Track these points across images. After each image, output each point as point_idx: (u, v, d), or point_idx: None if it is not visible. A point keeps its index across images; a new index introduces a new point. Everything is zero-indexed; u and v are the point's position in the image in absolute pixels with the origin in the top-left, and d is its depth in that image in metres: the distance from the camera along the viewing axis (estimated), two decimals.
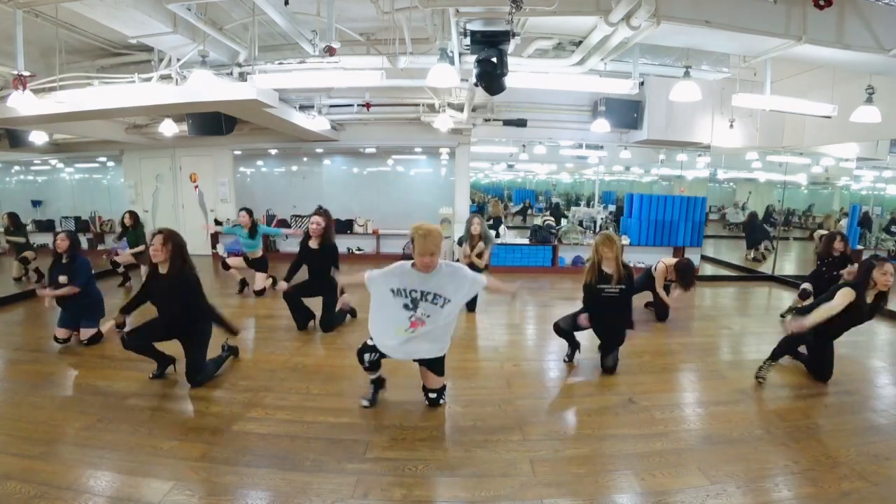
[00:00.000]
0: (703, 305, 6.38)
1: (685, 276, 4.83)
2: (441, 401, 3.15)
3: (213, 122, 7.11)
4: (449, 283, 2.79)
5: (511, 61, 3.90)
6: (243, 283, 6.34)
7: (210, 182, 9.34)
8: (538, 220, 8.98)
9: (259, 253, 6.25)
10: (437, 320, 2.81)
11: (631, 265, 3.75)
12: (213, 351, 3.67)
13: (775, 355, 3.59)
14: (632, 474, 2.49)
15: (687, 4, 3.57)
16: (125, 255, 6.63)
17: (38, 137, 7.67)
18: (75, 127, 7.21)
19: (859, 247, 7.83)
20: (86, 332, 4.25)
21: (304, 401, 3.25)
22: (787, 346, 3.60)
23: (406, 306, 2.80)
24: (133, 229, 6.70)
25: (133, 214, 6.77)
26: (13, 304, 5.82)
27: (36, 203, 10.24)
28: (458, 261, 5.13)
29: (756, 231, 8.90)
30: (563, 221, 8.87)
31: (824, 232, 8.24)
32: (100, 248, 9.68)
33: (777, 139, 7.76)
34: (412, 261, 2.77)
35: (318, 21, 4.19)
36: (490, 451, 2.67)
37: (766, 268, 8.06)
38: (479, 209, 9.78)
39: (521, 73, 4.60)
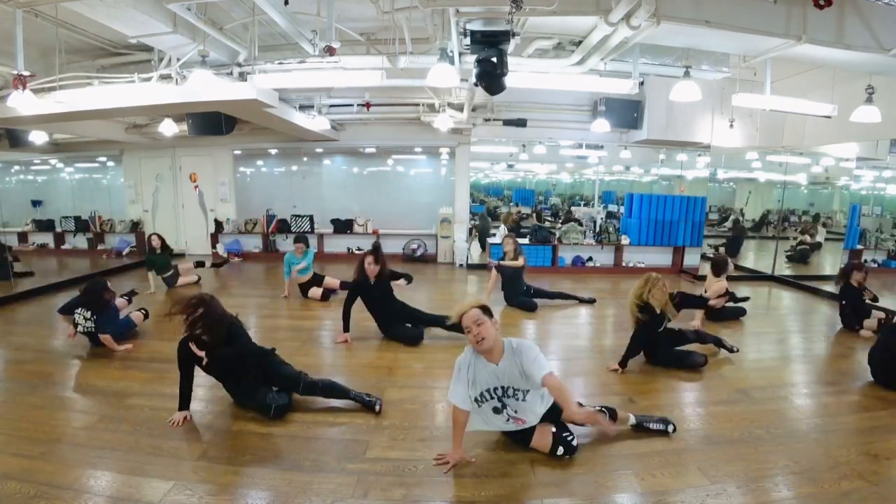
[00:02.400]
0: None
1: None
2: (560, 451, 2.60)
3: (213, 122, 7.11)
4: (516, 369, 2.47)
5: (511, 61, 3.90)
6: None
7: (210, 182, 9.34)
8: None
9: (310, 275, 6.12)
10: (528, 409, 2.58)
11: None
12: None
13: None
14: (632, 474, 2.48)
15: (687, 4, 3.56)
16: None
17: (38, 137, 7.69)
18: (75, 127, 7.22)
19: (859, 246, 7.83)
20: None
21: (304, 401, 3.25)
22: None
23: (496, 409, 2.57)
24: (161, 253, 6.51)
25: (161, 238, 6.55)
26: (13, 304, 5.82)
27: (36, 203, 10.24)
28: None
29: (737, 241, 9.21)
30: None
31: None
32: (100, 247, 9.69)
33: (777, 139, 7.76)
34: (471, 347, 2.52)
35: (318, 21, 4.19)
36: (490, 451, 2.67)
37: (765, 267, 8.06)
38: (486, 211, 9.84)
39: (521, 73, 4.60)
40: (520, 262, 5.62)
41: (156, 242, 6.43)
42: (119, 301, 4.63)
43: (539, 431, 2.62)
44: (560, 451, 2.57)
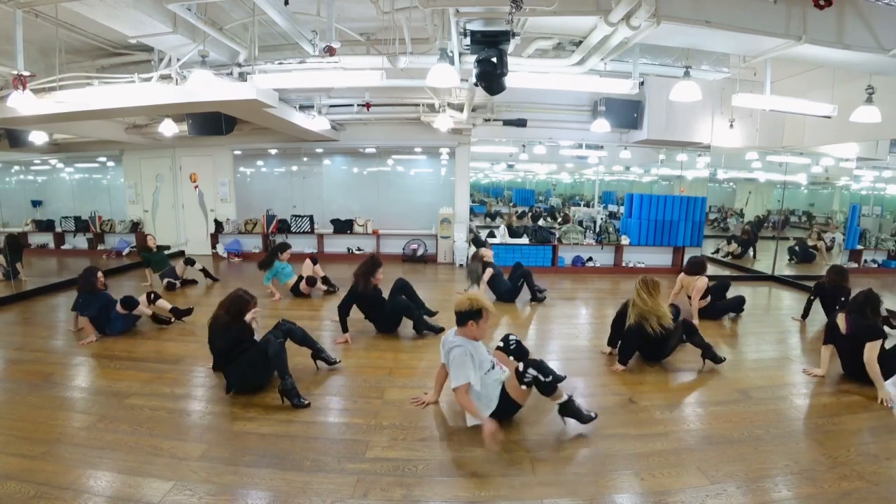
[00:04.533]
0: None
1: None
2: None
3: (213, 122, 7.11)
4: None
5: (511, 61, 3.90)
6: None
7: (210, 182, 9.34)
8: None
9: (293, 280, 6.25)
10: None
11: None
12: None
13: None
14: (632, 474, 2.49)
15: (687, 4, 3.56)
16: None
17: (38, 137, 7.69)
18: (75, 127, 7.21)
19: (859, 246, 7.83)
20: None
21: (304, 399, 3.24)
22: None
23: (493, 367, 2.95)
24: (157, 251, 6.79)
25: (153, 238, 6.90)
26: (13, 304, 5.82)
27: (36, 203, 10.25)
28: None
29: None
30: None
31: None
32: (100, 248, 9.69)
33: (777, 139, 7.77)
34: (468, 333, 2.89)
35: (318, 21, 4.19)
36: (490, 451, 2.67)
37: (765, 267, 8.06)
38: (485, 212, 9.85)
39: (521, 73, 4.60)
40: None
41: (151, 242, 6.78)
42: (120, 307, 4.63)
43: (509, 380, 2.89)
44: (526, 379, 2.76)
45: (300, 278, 6.20)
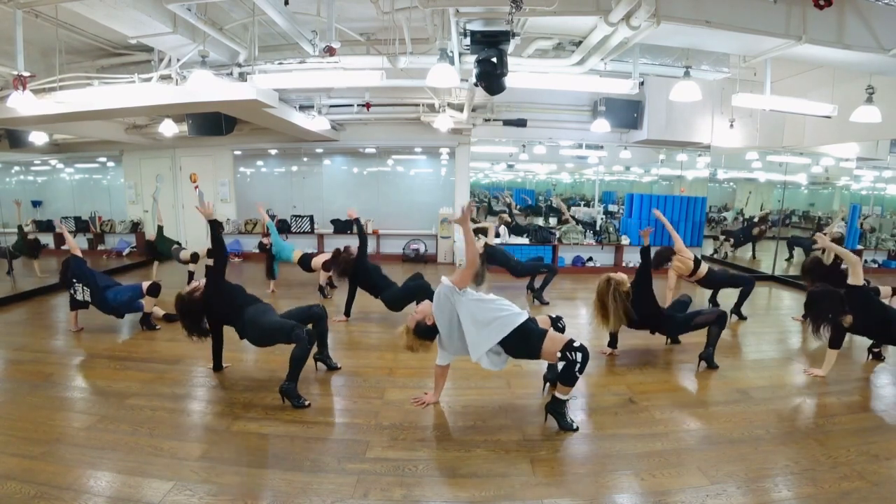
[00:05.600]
0: (703, 305, 6.36)
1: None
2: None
3: (213, 122, 7.11)
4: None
5: (511, 61, 3.90)
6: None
7: (210, 182, 9.34)
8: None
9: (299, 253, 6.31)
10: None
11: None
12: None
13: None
14: (632, 474, 2.48)
15: (687, 4, 3.56)
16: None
17: (38, 137, 7.69)
18: (75, 127, 7.22)
19: (859, 246, 7.83)
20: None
21: (304, 398, 3.24)
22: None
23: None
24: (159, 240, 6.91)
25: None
26: (13, 304, 5.82)
27: (36, 203, 10.23)
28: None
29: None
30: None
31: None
32: (100, 248, 9.69)
33: (777, 139, 7.77)
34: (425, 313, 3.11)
35: (318, 21, 4.19)
36: (490, 451, 2.67)
37: (765, 267, 8.06)
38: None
39: (521, 73, 4.60)
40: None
41: (149, 236, 7.03)
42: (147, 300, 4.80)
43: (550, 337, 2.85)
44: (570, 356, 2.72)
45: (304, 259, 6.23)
